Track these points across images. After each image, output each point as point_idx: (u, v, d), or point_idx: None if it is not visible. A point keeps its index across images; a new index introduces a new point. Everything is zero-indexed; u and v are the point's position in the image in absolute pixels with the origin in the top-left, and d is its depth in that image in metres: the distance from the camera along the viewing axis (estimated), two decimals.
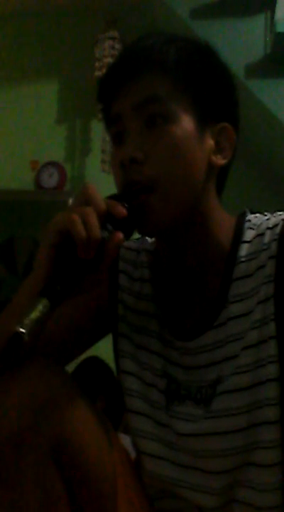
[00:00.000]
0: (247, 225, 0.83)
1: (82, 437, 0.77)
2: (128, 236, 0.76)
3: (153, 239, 0.91)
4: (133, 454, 0.91)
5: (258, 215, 0.85)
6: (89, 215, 0.70)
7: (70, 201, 2.44)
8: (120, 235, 0.72)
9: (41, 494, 0.72)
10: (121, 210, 0.73)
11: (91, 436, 0.79)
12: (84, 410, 0.79)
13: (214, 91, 0.81)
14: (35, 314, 0.64)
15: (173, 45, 0.80)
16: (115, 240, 0.72)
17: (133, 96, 0.78)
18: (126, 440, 0.96)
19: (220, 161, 0.82)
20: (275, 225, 0.80)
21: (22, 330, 0.62)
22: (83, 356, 0.96)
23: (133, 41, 0.84)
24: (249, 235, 0.82)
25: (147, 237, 0.93)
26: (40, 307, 0.64)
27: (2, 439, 0.71)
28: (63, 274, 0.68)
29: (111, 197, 0.77)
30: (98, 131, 2.49)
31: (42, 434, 0.73)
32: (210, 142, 0.81)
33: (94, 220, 0.70)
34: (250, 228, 0.82)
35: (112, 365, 1.05)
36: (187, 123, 0.78)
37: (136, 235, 0.83)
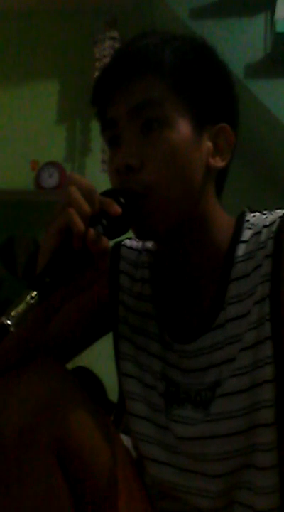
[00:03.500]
0: (245, 225, 0.82)
1: (83, 436, 0.77)
2: (123, 231, 0.76)
3: None
4: (133, 453, 0.91)
5: (257, 214, 0.83)
6: (74, 216, 0.69)
7: None
8: (91, 231, 0.70)
9: (44, 493, 0.73)
10: (116, 208, 0.72)
11: (93, 436, 0.79)
12: (86, 409, 0.79)
13: (211, 92, 0.80)
14: (22, 306, 0.66)
15: (168, 45, 0.78)
16: (93, 236, 0.70)
17: (129, 100, 0.77)
18: (125, 439, 0.96)
19: (218, 163, 0.81)
20: (272, 223, 0.78)
21: (8, 322, 0.64)
22: (72, 365, 0.97)
23: (126, 42, 0.82)
24: (247, 234, 0.81)
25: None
26: (27, 299, 0.66)
27: (5, 439, 0.71)
28: (51, 266, 0.70)
29: (107, 192, 0.75)
30: (98, 131, 2.48)
31: (44, 434, 0.73)
32: (208, 144, 0.79)
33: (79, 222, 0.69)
34: (249, 228, 0.81)
35: (104, 370, 1.05)
36: (183, 127, 0.77)
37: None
